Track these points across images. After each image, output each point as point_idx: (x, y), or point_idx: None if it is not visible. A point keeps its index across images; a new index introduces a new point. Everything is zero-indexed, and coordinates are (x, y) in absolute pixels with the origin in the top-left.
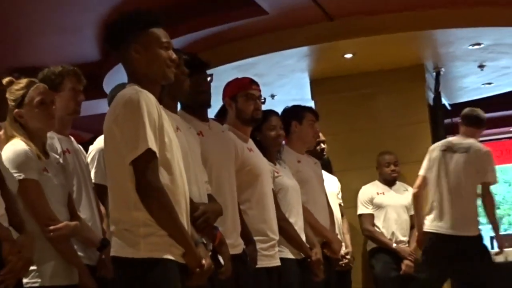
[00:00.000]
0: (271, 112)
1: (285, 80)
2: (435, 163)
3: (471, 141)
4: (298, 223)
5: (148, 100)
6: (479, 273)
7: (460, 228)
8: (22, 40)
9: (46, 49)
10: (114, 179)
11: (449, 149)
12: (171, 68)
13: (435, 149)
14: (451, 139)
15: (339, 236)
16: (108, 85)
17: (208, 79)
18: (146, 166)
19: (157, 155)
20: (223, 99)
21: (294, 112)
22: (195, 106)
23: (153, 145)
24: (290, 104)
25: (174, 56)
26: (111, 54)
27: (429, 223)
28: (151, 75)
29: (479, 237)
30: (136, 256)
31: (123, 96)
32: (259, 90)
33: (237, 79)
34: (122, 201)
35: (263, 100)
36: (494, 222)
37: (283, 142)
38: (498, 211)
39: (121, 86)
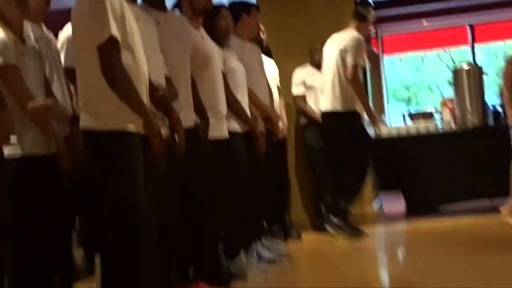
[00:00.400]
0: (222, 6)
1: None
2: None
3: (347, 31)
4: (244, 100)
5: None
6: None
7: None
8: None
9: None
10: (82, 62)
11: (329, 42)
12: None
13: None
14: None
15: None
16: None
17: None
18: (109, 50)
19: (119, 40)
20: None
21: (243, 6)
22: None
23: (115, 32)
24: None
25: None
26: None
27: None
28: None
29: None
30: (102, 128)
31: None
32: None
33: None
34: (90, 81)
35: None
36: (363, 101)
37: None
38: (408, 93)
39: None
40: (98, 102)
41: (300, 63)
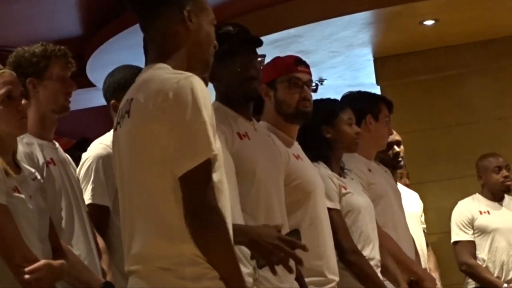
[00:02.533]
0: (344, 103)
1: (338, 59)
2: None
3: None
4: (373, 256)
5: (205, 91)
6: None
7: None
8: None
9: (13, 21)
10: (149, 199)
11: None
12: (212, 56)
13: None
14: None
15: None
16: (92, 70)
17: (259, 60)
18: (204, 180)
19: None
20: None
21: (367, 103)
22: (239, 97)
23: (216, 151)
24: (345, 90)
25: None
26: (97, 29)
27: None
28: (197, 56)
29: None
30: None
31: (169, 83)
32: (309, 73)
33: (277, 58)
34: (159, 229)
35: (314, 87)
36: None
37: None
38: None
39: (128, 69)
40: (174, 263)
41: (455, 191)
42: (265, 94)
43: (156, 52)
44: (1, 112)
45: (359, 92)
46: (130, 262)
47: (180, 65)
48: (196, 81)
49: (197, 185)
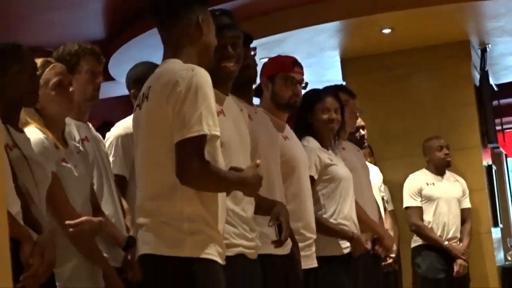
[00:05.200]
0: (328, 93)
1: (312, 60)
2: None
3: None
4: (351, 217)
5: (207, 80)
6: None
7: None
8: (19, 18)
9: (45, 27)
10: (155, 163)
11: None
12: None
13: None
14: None
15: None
16: (114, 67)
17: (252, 53)
18: (192, 149)
19: (218, 141)
20: (260, 77)
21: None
22: (239, 84)
23: (215, 130)
24: (318, 86)
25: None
26: (117, 33)
27: None
28: (204, 55)
29: None
30: (180, 254)
31: (178, 73)
32: (302, 74)
33: (278, 57)
34: (163, 189)
35: (304, 85)
36: None
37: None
38: None
39: (145, 65)
40: (174, 218)
41: (407, 167)
42: (264, 85)
43: (170, 50)
44: (54, 97)
45: (336, 86)
46: (138, 214)
47: (191, 61)
48: (201, 72)
49: (184, 152)
